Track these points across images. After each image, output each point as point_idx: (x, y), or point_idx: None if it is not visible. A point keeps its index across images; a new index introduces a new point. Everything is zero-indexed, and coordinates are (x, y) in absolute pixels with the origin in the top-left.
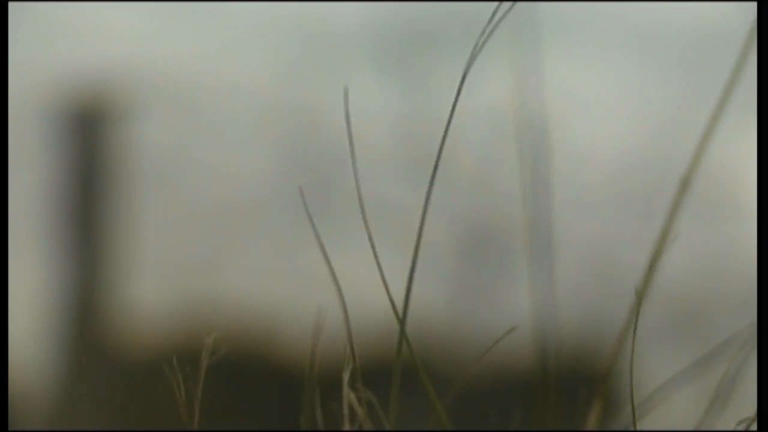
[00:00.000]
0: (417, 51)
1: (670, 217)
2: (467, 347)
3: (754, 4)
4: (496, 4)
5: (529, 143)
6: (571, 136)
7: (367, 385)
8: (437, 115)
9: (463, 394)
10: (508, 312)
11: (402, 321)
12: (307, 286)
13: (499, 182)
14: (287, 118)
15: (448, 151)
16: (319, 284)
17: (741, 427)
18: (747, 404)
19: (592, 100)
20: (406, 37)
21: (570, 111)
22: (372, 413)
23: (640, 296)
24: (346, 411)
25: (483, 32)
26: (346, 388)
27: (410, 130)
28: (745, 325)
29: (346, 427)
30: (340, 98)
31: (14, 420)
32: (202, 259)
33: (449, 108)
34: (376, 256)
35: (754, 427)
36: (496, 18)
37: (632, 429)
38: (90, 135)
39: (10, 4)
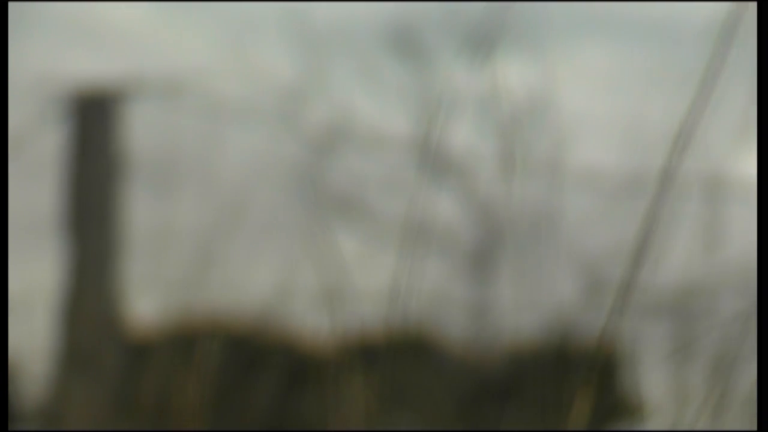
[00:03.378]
0: (422, 49)
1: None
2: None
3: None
4: (494, 4)
5: (529, 134)
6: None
7: (365, 373)
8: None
9: (472, 381)
10: (511, 305)
11: (399, 309)
12: (307, 281)
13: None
14: (301, 112)
15: (451, 145)
16: (318, 278)
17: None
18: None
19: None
20: (411, 35)
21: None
22: (366, 398)
23: (625, 290)
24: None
25: (485, 32)
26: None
27: (420, 126)
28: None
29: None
30: (346, 95)
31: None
32: (203, 254)
33: (450, 104)
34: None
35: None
36: (495, 17)
37: (632, 429)
38: (93, 130)
39: (13, 5)
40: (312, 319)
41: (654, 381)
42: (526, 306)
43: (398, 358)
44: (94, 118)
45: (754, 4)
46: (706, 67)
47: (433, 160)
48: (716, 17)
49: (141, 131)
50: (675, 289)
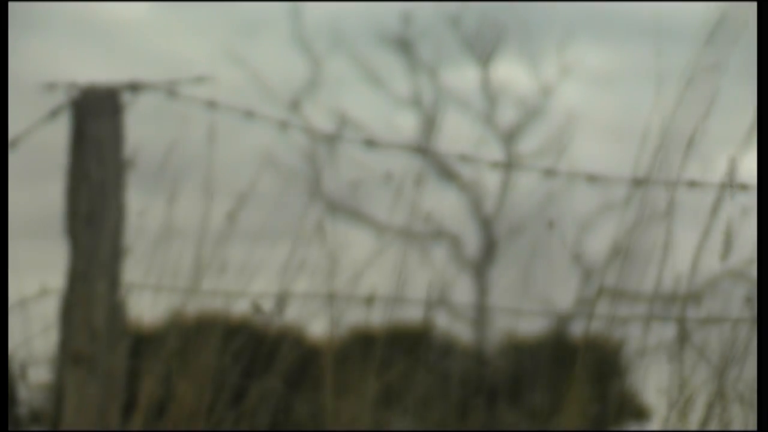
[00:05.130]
0: (422, 49)
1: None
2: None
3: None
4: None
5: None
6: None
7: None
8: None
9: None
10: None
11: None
12: (308, 280)
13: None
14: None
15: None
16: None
17: None
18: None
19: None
20: (412, 35)
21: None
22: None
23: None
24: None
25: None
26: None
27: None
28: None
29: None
30: (353, 96)
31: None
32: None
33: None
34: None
35: None
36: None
37: (633, 429)
38: (94, 129)
39: (15, 4)
40: (313, 318)
41: (654, 381)
42: (525, 305)
43: (398, 357)
44: (94, 117)
45: (754, 4)
46: (706, 66)
47: (433, 160)
48: (716, 17)
49: (142, 131)
50: (675, 290)
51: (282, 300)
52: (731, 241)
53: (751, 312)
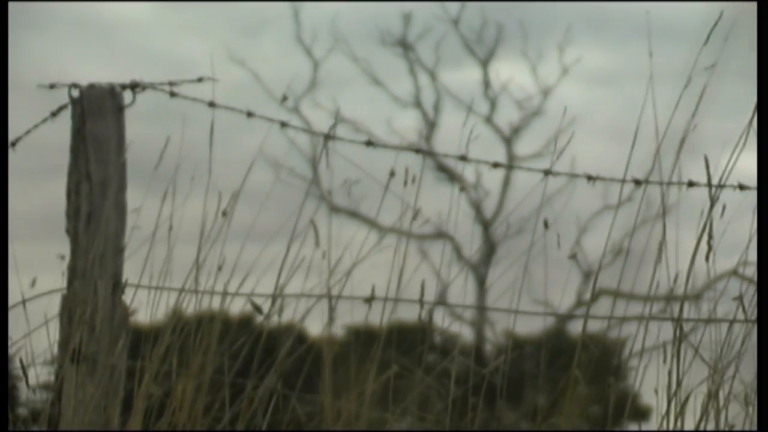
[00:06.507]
0: (422, 48)
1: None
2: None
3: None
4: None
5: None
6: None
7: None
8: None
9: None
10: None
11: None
12: (307, 279)
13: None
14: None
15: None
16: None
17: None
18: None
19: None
20: (411, 35)
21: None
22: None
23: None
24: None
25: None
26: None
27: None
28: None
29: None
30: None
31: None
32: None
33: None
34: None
35: None
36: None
37: (633, 429)
38: (94, 128)
39: (14, 4)
40: (311, 317)
41: (652, 381)
42: (524, 306)
43: (398, 356)
44: (95, 117)
45: (754, 4)
46: (706, 66)
47: (433, 160)
48: (716, 17)
49: (142, 131)
50: (674, 290)
51: (280, 300)
52: (713, 242)
53: (743, 311)
